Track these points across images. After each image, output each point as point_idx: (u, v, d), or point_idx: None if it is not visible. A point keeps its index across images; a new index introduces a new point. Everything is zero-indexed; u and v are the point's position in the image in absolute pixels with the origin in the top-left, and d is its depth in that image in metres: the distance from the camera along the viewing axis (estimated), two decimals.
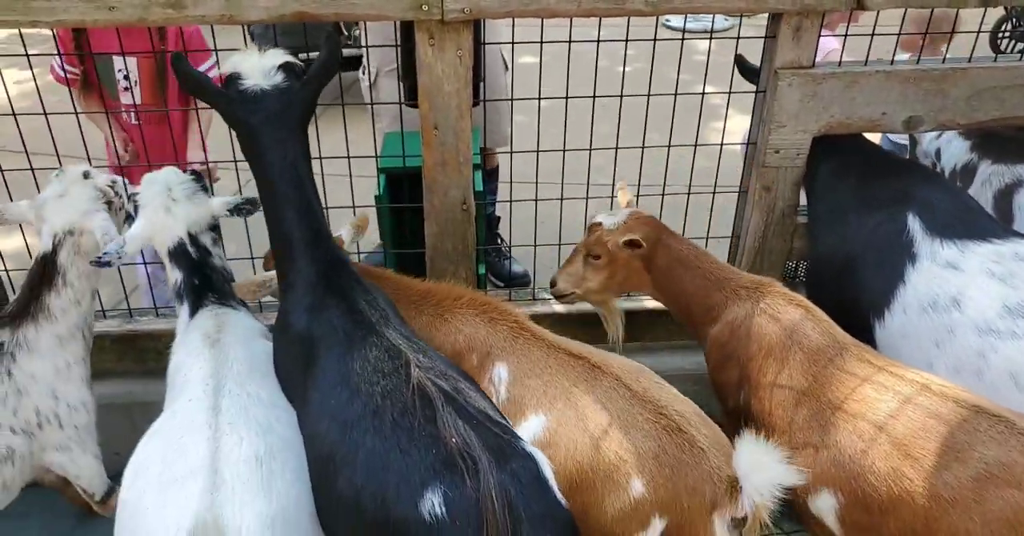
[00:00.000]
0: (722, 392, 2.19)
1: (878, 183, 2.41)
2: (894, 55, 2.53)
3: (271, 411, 1.79)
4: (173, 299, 2.11)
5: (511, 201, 2.71)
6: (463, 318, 2.09)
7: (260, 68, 1.85)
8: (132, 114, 3.02)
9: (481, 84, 2.61)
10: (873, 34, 2.50)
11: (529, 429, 1.86)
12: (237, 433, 1.66)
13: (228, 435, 1.64)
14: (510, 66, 3.17)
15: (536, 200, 2.66)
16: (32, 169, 2.38)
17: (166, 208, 2.03)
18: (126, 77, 2.97)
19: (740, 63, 2.64)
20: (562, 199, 2.67)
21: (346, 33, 5.90)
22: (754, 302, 2.14)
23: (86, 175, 2.13)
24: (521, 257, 3.74)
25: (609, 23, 2.38)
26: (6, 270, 2.59)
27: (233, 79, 1.85)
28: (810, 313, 2.08)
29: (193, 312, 2.05)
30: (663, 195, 2.68)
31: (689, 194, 2.70)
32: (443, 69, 2.30)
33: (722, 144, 2.79)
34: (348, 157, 2.48)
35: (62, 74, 2.93)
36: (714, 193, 2.73)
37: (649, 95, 2.48)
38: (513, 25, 2.48)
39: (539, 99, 2.47)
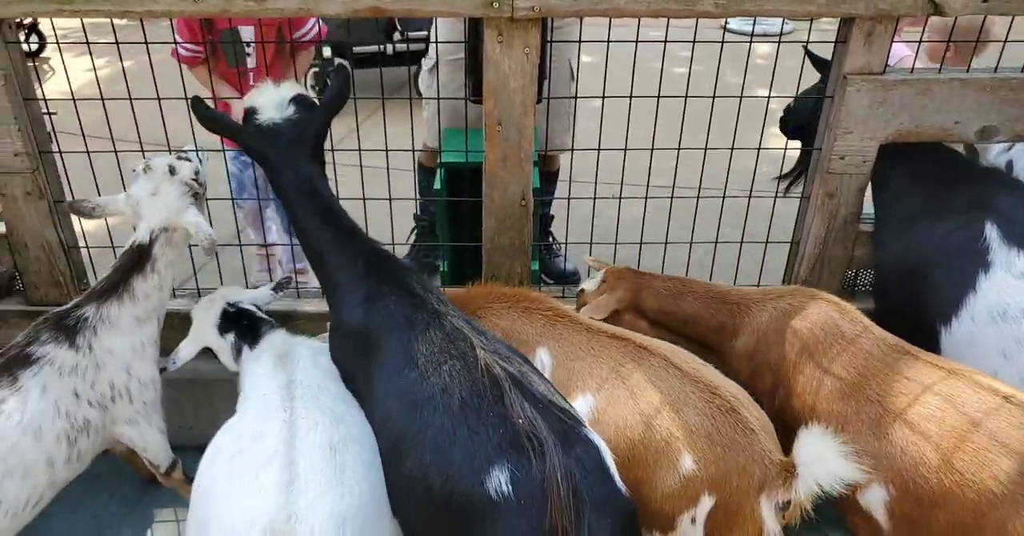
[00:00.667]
0: (758, 401, 2.19)
1: (955, 189, 2.37)
2: (913, 64, 2.47)
3: (340, 403, 1.85)
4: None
5: (568, 198, 2.72)
6: (497, 312, 2.13)
7: (274, 102, 2.02)
8: (251, 76, 3.17)
9: (545, 82, 2.65)
10: (949, 41, 2.45)
11: (577, 410, 1.86)
12: (312, 418, 1.71)
13: (304, 419, 1.70)
14: (576, 75, 3.21)
15: (595, 198, 2.68)
16: (89, 152, 2.52)
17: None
18: (247, 44, 3.11)
19: (811, 56, 2.62)
20: (620, 198, 2.68)
21: (400, 29, 6.01)
22: (775, 305, 2.15)
23: (172, 171, 2.21)
24: (575, 256, 3.76)
25: (667, 25, 2.39)
26: (87, 247, 2.72)
27: (250, 114, 2.02)
28: (838, 307, 2.09)
29: (253, 346, 2.18)
30: (723, 197, 2.67)
31: (750, 198, 2.69)
32: (510, 66, 2.34)
33: (785, 148, 2.77)
34: (386, 150, 2.55)
35: (184, 53, 3.04)
36: (776, 198, 2.71)
37: (714, 97, 2.48)
38: (581, 25, 2.50)
39: (603, 97, 2.48)
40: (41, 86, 2.49)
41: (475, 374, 1.64)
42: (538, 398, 1.62)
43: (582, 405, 1.90)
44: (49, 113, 2.53)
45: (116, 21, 2.33)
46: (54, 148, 2.56)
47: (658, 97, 2.49)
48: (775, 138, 3.03)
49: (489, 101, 2.41)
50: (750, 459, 1.71)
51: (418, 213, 3.66)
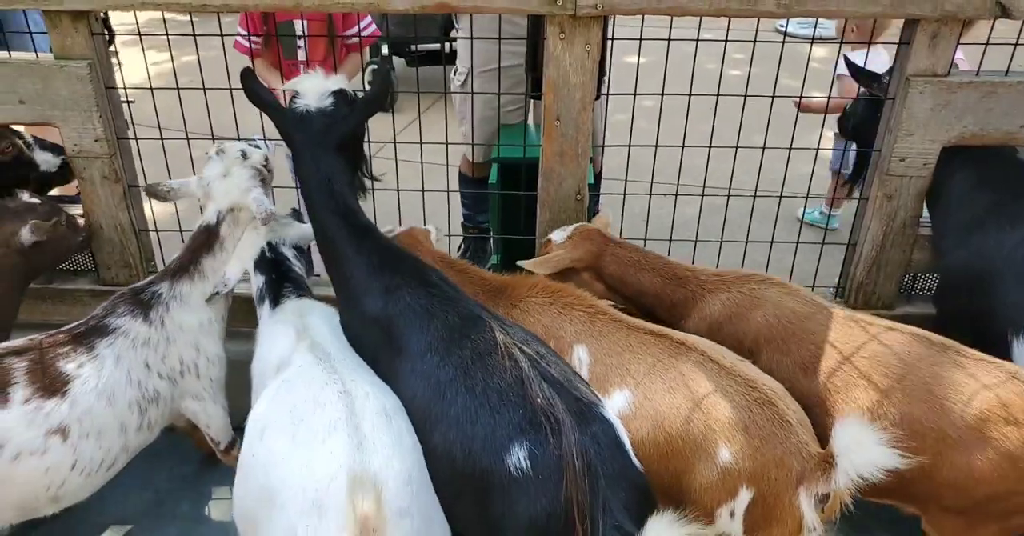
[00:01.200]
0: None
1: None
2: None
3: (377, 381, 1.88)
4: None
5: (624, 194, 2.74)
6: (538, 307, 2.14)
7: (317, 90, 2.05)
8: (303, 68, 3.23)
9: (604, 79, 2.68)
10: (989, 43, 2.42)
11: (615, 405, 1.91)
12: (362, 388, 1.76)
13: (357, 389, 1.75)
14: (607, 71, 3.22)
15: (650, 194, 2.70)
16: (162, 139, 2.64)
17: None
18: (300, 37, 3.19)
19: (849, 64, 2.61)
20: (677, 195, 2.69)
21: (458, 27, 6.07)
22: (728, 294, 2.19)
23: (244, 155, 2.30)
24: None
25: (715, 26, 2.40)
26: (156, 231, 2.84)
27: (293, 97, 2.06)
28: (787, 289, 2.17)
29: (274, 305, 2.22)
30: (780, 197, 2.67)
31: (807, 198, 2.68)
32: (571, 62, 2.38)
33: (844, 151, 2.75)
34: (419, 143, 2.59)
35: (247, 46, 3.16)
36: (832, 199, 2.70)
37: (773, 96, 2.48)
38: (642, 24, 2.52)
39: (662, 95, 2.50)
40: (122, 76, 2.62)
41: (495, 356, 1.70)
42: (556, 379, 1.68)
43: (620, 400, 1.92)
44: (127, 101, 2.65)
45: (179, 16, 2.42)
46: (130, 135, 2.68)
47: (717, 96, 2.50)
48: (829, 142, 3.02)
49: (548, 96, 2.45)
50: (787, 451, 1.72)
51: (464, 222, 3.71)
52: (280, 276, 2.28)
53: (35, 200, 2.37)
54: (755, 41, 2.44)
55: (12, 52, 2.59)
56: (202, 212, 2.35)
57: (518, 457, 1.56)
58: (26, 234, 2.28)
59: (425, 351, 1.79)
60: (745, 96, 2.49)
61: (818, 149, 2.66)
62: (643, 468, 1.66)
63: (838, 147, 3.34)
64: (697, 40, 2.42)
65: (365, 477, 1.56)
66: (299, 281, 2.30)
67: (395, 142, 2.65)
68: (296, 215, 2.51)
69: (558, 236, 2.42)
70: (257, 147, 2.39)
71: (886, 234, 2.64)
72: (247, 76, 2.09)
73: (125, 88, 2.60)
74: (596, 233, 2.41)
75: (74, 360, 2.03)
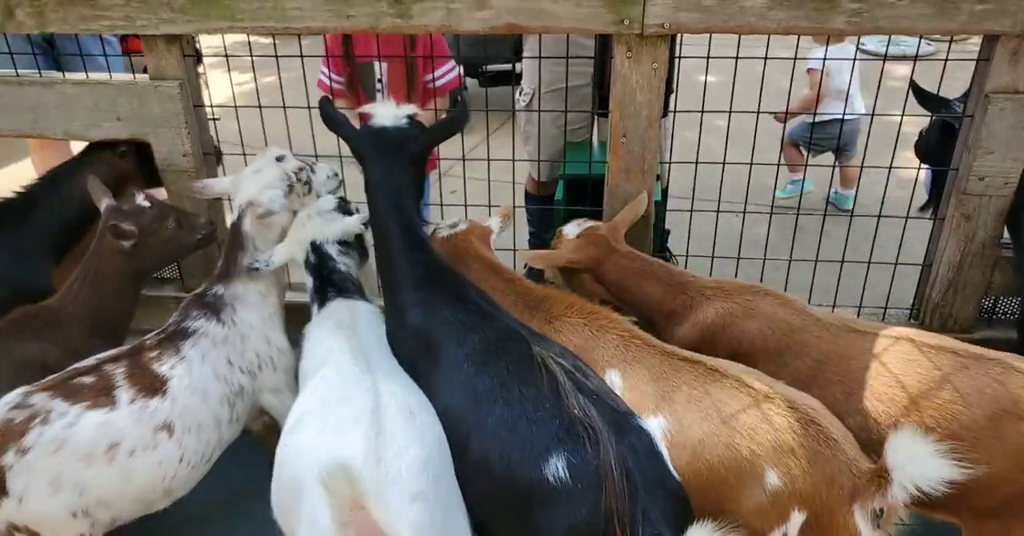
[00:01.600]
0: None
1: None
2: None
3: (408, 383, 1.93)
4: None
5: (692, 210, 2.74)
6: (571, 326, 2.13)
7: (391, 114, 2.16)
8: None
9: (672, 96, 2.69)
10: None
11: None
12: (390, 388, 1.81)
13: (385, 387, 1.80)
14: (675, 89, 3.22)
15: (718, 211, 2.70)
16: (245, 155, 2.75)
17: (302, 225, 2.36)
18: (379, 80, 3.30)
19: (916, 91, 2.55)
20: (745, 213, 2.68)
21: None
22: (723, 303, 2.20)
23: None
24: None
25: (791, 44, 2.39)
26: None
27: (366, 120, 2.17)
28: (782, 300, 2.17)
29: (320, 307, 2.29)
30: (851, 216, 2.63)
31: (879, 217, 2.63)
32: (637, 80, 2.41)
33: (919, 168, 2.69)
34: (485, 159, 2.64)
35: (328, 84, 3.27)
36: (906, 218, 2.64)
37: (843, 116, 2.45)
38: (709, 42, 2.53)
39: (729, 112, 2.50)
40: (212, 104, 2.78)
41: (531, 368, 1.73)
42: (592, 390, 1.70)
43: (654, 427, 1.86)
44: (213, 119, 2.80)
45: (262, 39, 2.55)
46: (215, 150, 2.83)
47: (786, 114, 2.49)
48: (909, 161, 2.95)
49: (615, 114, 2.48)
50: (837, 470, 1.68)
51: (531, 239, 3.75)
52: (324, 279, 2.32)
53: (146, 203, 2.42)
54: (824, 59, 2.43)
55: (72, 72, 2.78)
56: None
57: (557, 467, 1.57)
58: (116, 236, 2.33)
59: (461, 362, 1.82)
60: (815, 113, 2.47)
61: (891, 168, 2.61)
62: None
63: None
64: (765, 58, 2.42)
65: (375, 466, 1.59)
66: (343, 282, 2.32)
67: (463, 159, 2.72)
68: (343, 205, 2.48)
69: (570, 230, 2.44)
70: (318, 167, 2.48)
71: (964, 255, 2.56)
72: (324, 103, 2.21)
73: (212, 106, 2.75)
74: (603, 239, 2.40)
75: (165, 362, 2.13)
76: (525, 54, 3.27)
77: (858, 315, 2.79)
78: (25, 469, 1.87)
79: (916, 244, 2.74)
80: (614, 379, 1.99)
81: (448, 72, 3.28)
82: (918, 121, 2.83)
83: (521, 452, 1.62)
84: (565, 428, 1.61)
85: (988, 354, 1.90)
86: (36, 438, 1.88)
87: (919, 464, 1.56)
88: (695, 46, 2.56)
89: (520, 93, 3.46)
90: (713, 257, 2.78)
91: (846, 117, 3.61)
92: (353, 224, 2.37)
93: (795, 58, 2.45)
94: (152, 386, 2.06)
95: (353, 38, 3.16)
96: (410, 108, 2.21)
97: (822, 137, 4.26)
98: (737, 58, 2.45)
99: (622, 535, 1.48)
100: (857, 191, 2.59)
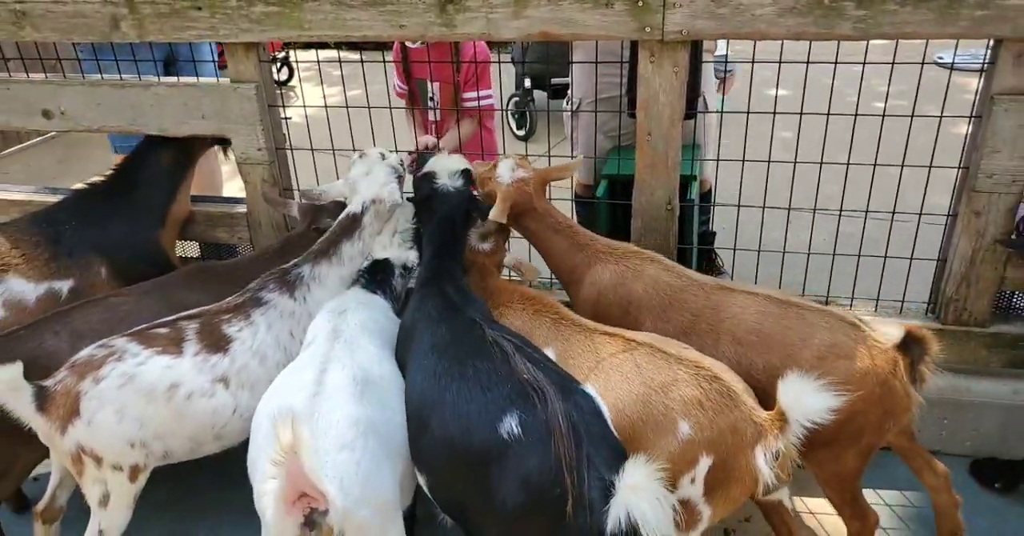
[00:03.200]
0: None
1: None
2: None
3: (372, 358, 2.20)
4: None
5: (738, 206, 2.86)
6: (514, 312, 2.40)
7: (448, 170, 2.57)
8: (434, 125, 3.93)
9: (700, 99, 2.89)
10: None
11: None
12: (341, 363, 2.10)
13: (334, 363, 2.10)
14: (709, 106, 3.42)
15: (763, 207, 2.82)
16: (313, 150, 3.10)
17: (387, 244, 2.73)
18: (432, 98, 3.83)
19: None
20: (789, 208, 2.82)
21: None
22: (616, 267, 2.49)
23: (383, 156, 2.72)
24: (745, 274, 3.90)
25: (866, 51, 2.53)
26: None
27: (430, 177, 2.58)
28: (663, 265, 2.48)
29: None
30: (892, 217, 2.75)
31: (920, 214, 2.75)
32: (660, 83, 2.63)
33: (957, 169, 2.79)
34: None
35: (397, 89, 3.91)
36: (920, 215, 2.76)
37: (883, 115, 2.59)
38: (754, 51, 2.65)
39: (774, 113, 2.68)
40: (283, 104, 3.13)
41: (484, 347, 1.98)
42: (539, 360, 1.95)
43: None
44: (285, 118, 3.15)
45: (351, 55, 2.87)
46: (287, 147, 3.18)
47: (827, 114, 2.63)
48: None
49: (641, 114, 2.70)
50: (739, 418, 1.91)
51: None
52: (371, 276, 2.61)
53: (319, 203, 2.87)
54: (864, 63, 2.56)
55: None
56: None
57: (510, 425, 1.77)
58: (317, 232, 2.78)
59: (428, 350, 2.08)
60: (855, 115, 2.62)
61: (930, 167, 2.70)
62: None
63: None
64: (808, 62, 2.54)
65: (308, 417, 1.87)
66: (382, 285, 2.62)
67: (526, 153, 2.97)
68: (416, 237, 2.83)
69: (504, 174, 2.62)
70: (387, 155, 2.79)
71: (975, 251, 2.67)
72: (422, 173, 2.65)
73: (283, 106, 3.11)
74: (527, 195, 2.60)
75: (235, 325, 2.42)
76: (574, 65, 3.54)
77: (875, 309, 2.93)
78: (97, 396, 2.18)
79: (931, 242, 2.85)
80: (551, 354, 2.23)
81: (487, 97, 3.82)
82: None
83: (478, 417, 1.84)
84: (517, 391, 1.84)
85: (821, 307, 2.24)
86: (109, 371, 2.20)
87: (807, 400, 1.80)
88: (769, 54, 2.69)
89: (567, 101, 3.74)
90: (759, 251, 2.93)
91: None
92: (414, 257, 2.74)
93: (835, 62, 2.57)
94: (217, 344, 2.36)
95: (411, 62, 3.74)
96: (460, 162, 2.60)
97: None
98: (780, 62, 2.57)
99: (570, 479, 1.66)
100: (898, 191, 2.72)
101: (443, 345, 2.07)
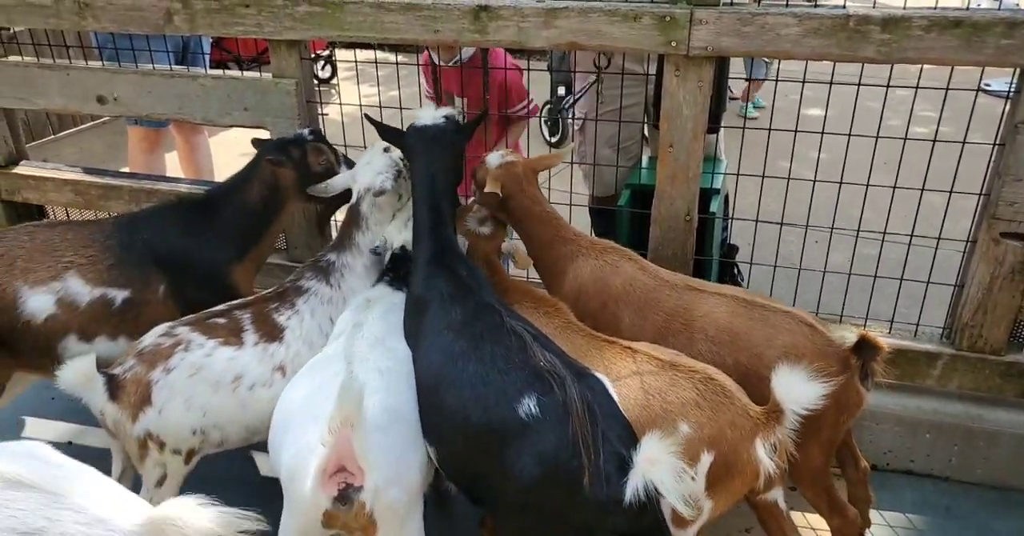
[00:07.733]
0: None
1: None
2: None
3: (392, 352, 2.25)
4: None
5: (756, 221, 2.90)
6: (524, 311, 2.42)
7: (431, 115, 2.57)
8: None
9: (723, 113, 2.94)
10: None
11: None
12: (366, 355, 2.17)
13: (362, 354, 2.17)
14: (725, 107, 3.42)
15: (781, 223, 2.85)
16: (346, 146, 3.15)
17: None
18: (461, 112, 3.78)
19: None
20: (807, 226, 2.84)
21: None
22: (595, 263, 2.56)
23: (386, 150, 2.79)
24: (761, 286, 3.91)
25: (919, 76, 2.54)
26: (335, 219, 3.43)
27: (413, 123, 2.59)
28: (639, 264, 2.55)
29: (374, 285, 2.63)
30: (911, 239, 2.75)
31: (939, 239, 2.75)
32: (684, 96, 2.67)
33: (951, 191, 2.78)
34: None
35: (427, 94, 3.98)
36: (938, 239, 2.76)
37: (906, 137, 2.60)
38: (804, 73, 2.67)
39: (795, 131, 2.71)
40: (321, 101, 3.25)
41: (502, 333, 2.04)
42: (554, 349, 2.03)
43: None
44: (322, 115, 3.27)
45: (390, 56, 2.98)
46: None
47: (848, 133, 2.66)
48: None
49: (664, 125, 2.76)
50: (736, 414, 2.00)
51: None
52: (394, 268, 2.63)
53: None
54: (888, 85, 2.55)
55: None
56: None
57: (529, 406, 1.86)
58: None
59: (442, 328, 2.13)
60: (876, 137, 2.63)
61: (952, 190, 2.68)
62: None
63: None
64: (830, 82, 2.57)
65: (351, 390, 1.90)
66: (406, 279, 2.60)
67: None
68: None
69: (493, 160, 2.69)
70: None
71: (993, 278, 2.66)
72: (377, 124, 2.68)
73: (320, 102, 3.22)
74: (517, 178, 2.64)
75: (284, 313, 2.52)
76: (576, 81, 3.61)
77: (889, 331, 2.93)
78: (168, 386, 2.27)
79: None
80: None
81: (521, 109, 3.83)
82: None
83: (496, 398, 1.92)
84: (534, 375, 1.92)
85: (786, 309, 2.34)
86: (179, 361, 2.30)
87: (798, 389, 1.90)
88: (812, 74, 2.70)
89: (572, 118, 3.88)
90: (775, 265, 2.96)
91: None
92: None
93: (888, 85, 2.57)
94: (272, 333, 2.46)
95: (443, 79, 3.83)
96: (447, 110, 2.62)
97: None
98: (803, 82, 2.61)
99: (587, 453, 1.77)
100: (918, 212, 2.73)
101: (458, 326, 2.13)
